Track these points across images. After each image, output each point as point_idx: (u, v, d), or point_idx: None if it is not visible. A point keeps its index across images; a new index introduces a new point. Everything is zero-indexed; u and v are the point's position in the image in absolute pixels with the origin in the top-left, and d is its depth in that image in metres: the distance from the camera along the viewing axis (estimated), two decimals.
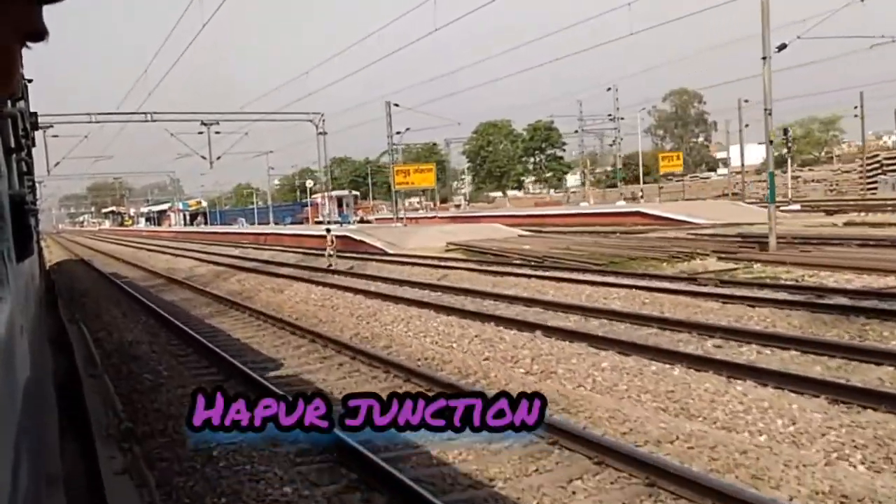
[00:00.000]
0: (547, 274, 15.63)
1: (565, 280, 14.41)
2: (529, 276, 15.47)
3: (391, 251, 25.02)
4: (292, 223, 56.31)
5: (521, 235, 27.05)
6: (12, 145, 3.71)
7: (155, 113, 35.67)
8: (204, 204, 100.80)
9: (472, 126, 59.51)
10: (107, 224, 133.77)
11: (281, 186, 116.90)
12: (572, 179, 76.95)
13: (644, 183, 62.49)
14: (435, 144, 74.61)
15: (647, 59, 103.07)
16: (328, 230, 22.06)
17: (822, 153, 66.63)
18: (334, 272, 19.39)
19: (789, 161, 47.33)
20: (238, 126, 38.21)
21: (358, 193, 65.77)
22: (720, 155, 72.12)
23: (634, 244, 20.26)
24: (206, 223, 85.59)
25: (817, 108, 54.98)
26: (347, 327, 11.36)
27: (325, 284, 16.06)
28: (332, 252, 20.78)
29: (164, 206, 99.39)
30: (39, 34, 0.95)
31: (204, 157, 38.04)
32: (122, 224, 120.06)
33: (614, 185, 62.57)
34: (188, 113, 36.87)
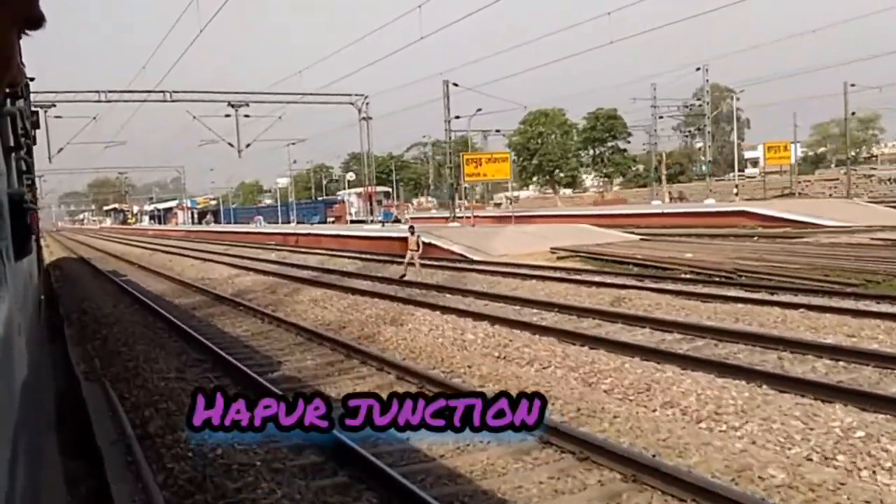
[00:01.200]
0: (774, 298, 11.39)
1: (814, 308, 10.21)
2: (746, 301, 11.30)
3: (476, 257, 21.34)
4: (319, 222, 52.53)
5: (643, 239, 21.88)
6: (12, 144, 3.71)
7: (175, 92, 30.31)
8: (213, 201, 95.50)
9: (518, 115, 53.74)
10: (108, 222, 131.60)
11: (294, 184, 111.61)
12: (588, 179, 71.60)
13: (677, 182, 57.73)
14: (469, 139, 69.10)
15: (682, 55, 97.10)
16: (412, 230, 16.98)
17: (862, 152, 61.46)
18: (427, 287, 15.65)
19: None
20: (270, 109, 32.82)
21: (390, 190, 60.77)
22: (749, 154, 68.37)
23: (827, 252, 16.06)
24: (216, 222, 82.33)
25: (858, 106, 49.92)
26: (569, 400, 6.94)
27: (450, 310, 11.89)
28: (414, 260, 17.00)
29: (171, 204, 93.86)
30: (37, 20, 0.93)
31: (231, 145, 32.72)
32: (124, 222, 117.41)
33: (644, 185, 57.18)
34: (214, 93, 31.52)
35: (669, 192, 58.30)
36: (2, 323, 1.54)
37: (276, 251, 30.63)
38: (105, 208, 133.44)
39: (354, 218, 51.44)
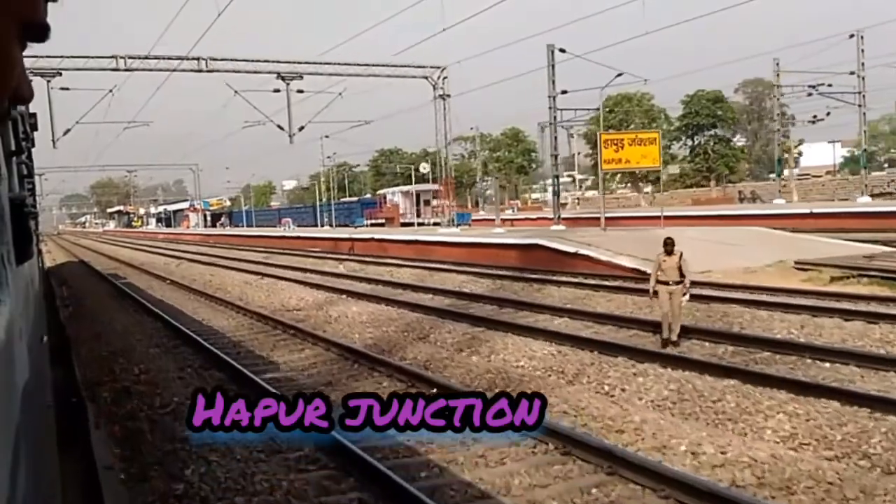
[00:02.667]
0: None
1: None
2: None
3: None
4: (356, 225, 48.22)
5: None
6: (13, 148, 3.55)
7: (212, 59, 23.57)
8: (227, 202, 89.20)
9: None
10: (111, 225, 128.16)
11: (310, 185, 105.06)
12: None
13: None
14: (520, 131, 62.60)
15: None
16: (670, 245, 9.64)
17: None
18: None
19: None
20: (326, 84, 26.16)
21: (439, 188, 54.04)
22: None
23: None
24: (230, 224, 79.78)
25: None
26: None
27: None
28: (677, 295, 9.54)
29: (182, 205, 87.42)
30: (40, 29, 0.89)
31: (281, 128, 26.07)
32: (129, 225, 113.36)
33: (691, 186, 52.97)
34: (260, 61, 24.81)
35: (740, 192, 51.36)
36: (3, 327, 1.50)
37: (336, 260, 26.10)
38: (109, 210, 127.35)
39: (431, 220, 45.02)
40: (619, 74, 25.46)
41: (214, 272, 22.95)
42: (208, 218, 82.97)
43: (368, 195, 64.48)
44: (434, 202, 49.00)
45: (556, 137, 27.36)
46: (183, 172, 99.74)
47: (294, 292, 16.55)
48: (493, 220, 43.11)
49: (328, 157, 57.19)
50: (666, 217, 25.76)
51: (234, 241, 48.48)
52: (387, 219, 46.23)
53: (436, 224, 41.86)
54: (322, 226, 52.39)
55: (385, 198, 51.62)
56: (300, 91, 27.29)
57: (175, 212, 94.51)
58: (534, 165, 62.62)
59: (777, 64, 34.63)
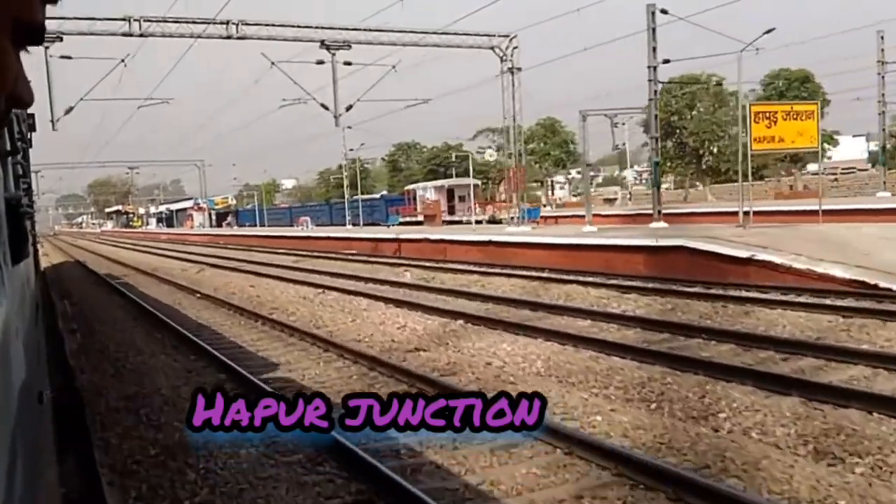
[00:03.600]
0: None
1: None
2: None
3: None
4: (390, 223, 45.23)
5: None
6: (8, 148, 3.70)
7: (244, 23, 18.99)
8: (232, 201, 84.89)
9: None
10: (109, 225, 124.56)
11: (319, 183, 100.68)
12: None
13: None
14: (557, 121, 58.07)
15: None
16: None
17: None
18: None
19: None
20: (376, 55, 21.76)
21: (478, 183, 50.11)
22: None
23: None
24: (236, 224, 76.62)
25: None
26: None
27: None
28: None
29: (185, 204, 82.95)
30: (37, 30, 0.86)
31: (325, 107, 21.58)
32: (128, 225, 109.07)
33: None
34: (301, 27, 20.32)
35: (791, 186, 46.84)
36: None
37: (381, 264, 23.42)
38: (107, 210, 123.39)
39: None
40: (769, 31, 20.94)
41: (253, 282, 19.07)
42: (213, 217, 77.93)
43: (384, 192, 59.42)
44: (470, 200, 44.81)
45: (656, 116, 22.98)
46: (181, 171, 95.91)
47: (384, 315, 12.41)
48: (544, 219, 38.89)
49: (351, 150, 52.54)
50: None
51: (248, 243, 45.38)
52: (426, 216, 42.10)
53: (491, 221, 37.75)
54: (339, 225, 49.59)
55: (415, 193, 48.22)
56: (347, 63, 22.73)
57: (178, 211, 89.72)
58: (572, 159, 58.04)
59: (882, 38, 30.04)
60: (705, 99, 43.50)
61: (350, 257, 27.56)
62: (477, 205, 45.97)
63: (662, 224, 23.24)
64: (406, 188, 51.03)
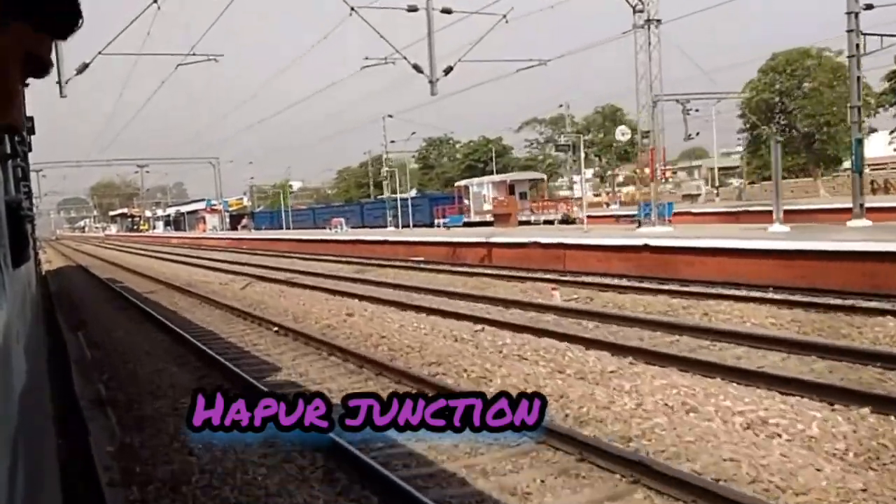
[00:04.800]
0: None
1: None
2: None
3: None
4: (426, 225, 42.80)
5: None
6: (8, 151, 3.85)
7: None
8: (247, 203, 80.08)
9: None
10: (113, 229, 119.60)
11: (338, 182, 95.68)
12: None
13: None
14: (618, 109, 52.74)
15: None
16: None
17: None
18: None
19: None
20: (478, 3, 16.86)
21: (543, 177, 45.01)
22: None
23: None
24: (255, 227, 71.76)
25: None
26: None
27: None
28: None
29: (198, 206, 78.02)
30: (43, 66, 0.95)
31: (418, 69, 16.56)
32: (133, 229, 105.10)
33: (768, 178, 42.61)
34: None
35: (873, 184, 41.70)
36: (0, 330, 1.59)
37: (467, 275, 19.47)
38: (111, 214, 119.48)
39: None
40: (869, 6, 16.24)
41: (339, 305, 13.47)
42: (226, 220, 72.83)
43: (414, 191, 53.95)
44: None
45: (858, 79, 17.88)
46: (184, 173, 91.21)
47: (616, 376, 6.84)
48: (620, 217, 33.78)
49: (392, 142, 47.16)
50: None
51: (277, 248, 42.18)
52: (497, 216, 38.71)
53: (564, 221, 32.61)
54: (373, 227, 46.16)
55: (468, 190, 43.93)
56: (447, 11, 17.36)
57: (188, 213, 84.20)
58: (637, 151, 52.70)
59: None
60: (820, 76, 37.74)
61: (426, 266, 22.87)
62: (542, 203, 40.74)
63: (864, 222, 17.86)
64: (456, 184, 46.31)
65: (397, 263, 25.23)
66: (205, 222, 77.56)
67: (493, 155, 57.70)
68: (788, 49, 38.17)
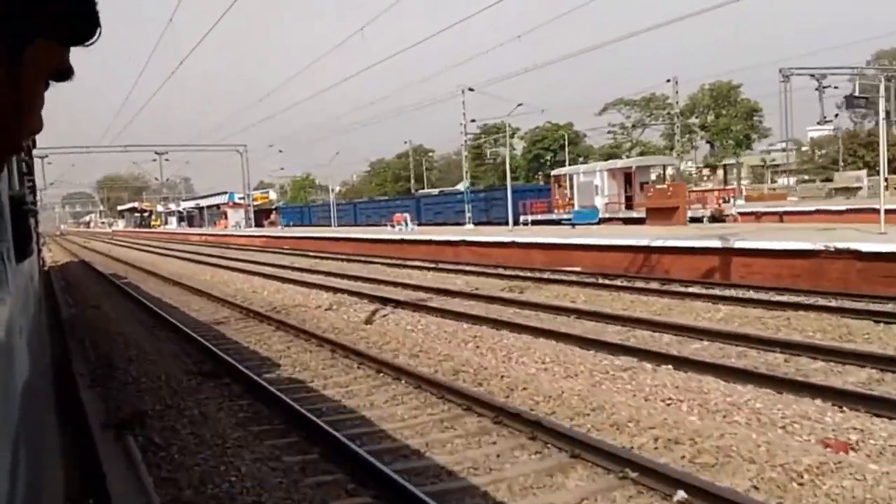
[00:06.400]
0: None
1: None
2: None
3: None
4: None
5: None
6: None
7: None
8: (273, 197, 73.90)
9: None
10: (120, 224, 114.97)
11: (371, 175, 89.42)
12: None
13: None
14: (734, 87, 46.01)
15: None
16: None
17: None
18: None
19: None
20: None
21: (676, 163, 39.21)
22: None
23: None
24: (284, 224, 65.94)
25: None
26: None
27: None
28: None
29: (219, 200, 71.50)
30: (65, 73, 1.00)
31: None
32: (141, 224, 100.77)
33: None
34: None
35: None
36: (3, 325, 1.57)
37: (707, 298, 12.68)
38: (119, 208, 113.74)
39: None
40: None
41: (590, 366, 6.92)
42: (251, 215, 66.47)
43: (466, 182, 47.05)
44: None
45: None
46: (189, 169, 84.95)
47: None
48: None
49: (473, 120, 40.37)
50: None
51: (333, 248, 34.76)
52: (651, 210, 30.18)
53: (714, 220, 26.06)
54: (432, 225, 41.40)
55: (568, 180, 37.89)
56: None
57: (207, 207, 77.18)
58: (759, 135, 45.82)
59: None
60: None
61: (607, 283, 15.47)
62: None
63: None
64: (553, 173, 40.11)
65: (560, 278, 17.00)
66: (226, 218, 72.29)
67: (566, 142, 50.92)
68: None
